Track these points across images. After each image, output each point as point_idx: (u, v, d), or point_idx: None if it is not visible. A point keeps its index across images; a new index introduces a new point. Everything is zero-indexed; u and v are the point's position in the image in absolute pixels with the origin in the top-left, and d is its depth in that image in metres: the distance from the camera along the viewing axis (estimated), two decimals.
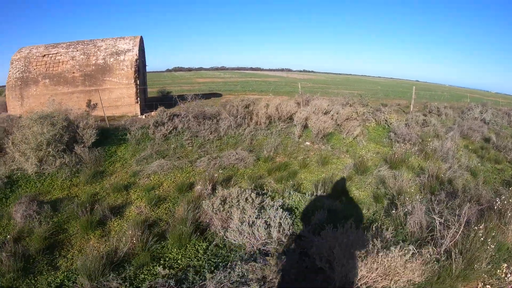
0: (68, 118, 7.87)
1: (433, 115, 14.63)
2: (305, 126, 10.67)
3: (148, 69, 17.27)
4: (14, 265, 4.28)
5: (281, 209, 5.27)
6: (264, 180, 7.60)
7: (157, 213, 6.16)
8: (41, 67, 11.91)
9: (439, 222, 5.04)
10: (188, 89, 29.28)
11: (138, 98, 13.07)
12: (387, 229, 4.66)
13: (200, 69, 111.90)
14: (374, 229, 4.70)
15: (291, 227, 5.18)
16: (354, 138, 10.03)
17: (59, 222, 5.53)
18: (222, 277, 3.76)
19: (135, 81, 12.81)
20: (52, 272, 4.36)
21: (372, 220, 5.92)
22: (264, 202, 5.80)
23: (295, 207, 6.06)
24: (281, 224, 5.07)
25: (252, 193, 5.79)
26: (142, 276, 4.15)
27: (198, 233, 5.24)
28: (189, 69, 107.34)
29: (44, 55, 12.09)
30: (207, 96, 20.49)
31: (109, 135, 9.57)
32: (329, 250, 4.15)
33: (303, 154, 9.17)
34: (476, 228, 4.64)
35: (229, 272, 3.89)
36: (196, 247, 4.92)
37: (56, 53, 12.20)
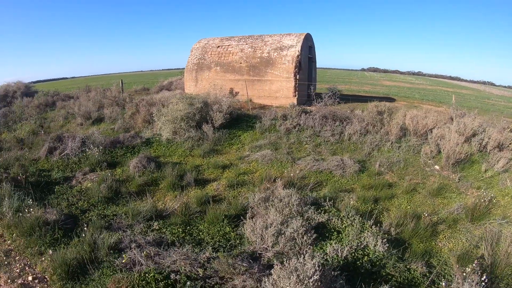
0: (206, 101, 10.44)
1: None
2: None
3: (341, 66, 18.63)
4: (106, 193, 6.95)
5: (302, 222, 5.48)
6: (346, 194, 7.46)
7: (228, 194, 7.50)
8: (214, 56, 15.69)
9: None
10: (368, 89, 29.11)
11: (297, 92, 14.72)
12: None
13: (396, 71, 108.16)
14: None
15: (309, 246, 5.27)
16: (498, 174, 7.85)
17: (157, 177, 7.95)
18: (193, 255, 4.78)
19: (295, 75, 14.50)
20: (121, 206, 6.68)
21: None
22: (308, 213, 6.04)
23: (338, 230, 5.86)
24: (294, 238, 5.32)
25: (296, 200, 6.19)
26: (164, 230, 5.73)
27: (235, 219, 6.24)
28: (385, 71, 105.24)
29: (218, 46, 15.81)
30: (378, 99, 19.87)
31: (242, 121, 11.73)
32: None
33: (419, 178, 8.13)
34: None
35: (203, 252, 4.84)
36: (222, 228, 5.94)
37: (228, 45, 15.65)
